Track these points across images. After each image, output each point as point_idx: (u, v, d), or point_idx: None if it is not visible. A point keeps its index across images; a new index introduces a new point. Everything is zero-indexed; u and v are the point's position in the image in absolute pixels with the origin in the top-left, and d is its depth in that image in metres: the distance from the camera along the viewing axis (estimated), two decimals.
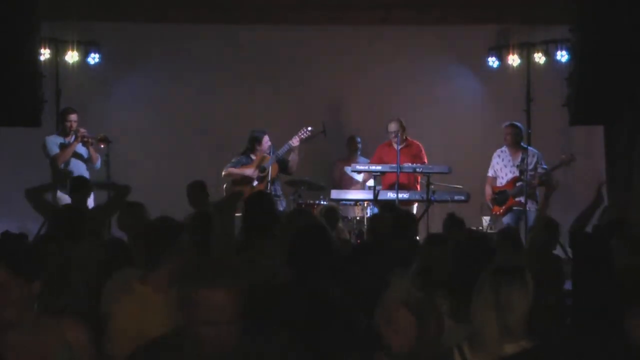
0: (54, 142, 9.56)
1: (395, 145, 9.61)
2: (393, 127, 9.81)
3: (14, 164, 10.72)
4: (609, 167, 10.22)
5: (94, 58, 11.07)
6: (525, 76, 11.17)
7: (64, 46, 10.86)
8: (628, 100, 8.76)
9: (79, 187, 7.69)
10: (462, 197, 9.23)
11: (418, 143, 10.00)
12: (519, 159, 9.46)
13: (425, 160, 9.84)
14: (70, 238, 5.37)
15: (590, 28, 8.55)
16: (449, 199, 9.08)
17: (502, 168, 9.71)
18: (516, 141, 9.69)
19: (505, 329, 3.29)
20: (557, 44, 10.68)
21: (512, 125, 9.77)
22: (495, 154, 9.82)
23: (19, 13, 8.22)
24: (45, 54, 10.35)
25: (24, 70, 8.31)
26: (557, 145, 9.57)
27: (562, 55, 10.57)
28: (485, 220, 9.45)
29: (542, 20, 10.05)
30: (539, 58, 11.04)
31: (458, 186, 9.63)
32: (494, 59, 11.38)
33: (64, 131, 9.65)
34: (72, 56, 10.92)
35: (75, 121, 9.61)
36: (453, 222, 6.39)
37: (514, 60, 11.23)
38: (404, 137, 9.84)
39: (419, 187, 9.77)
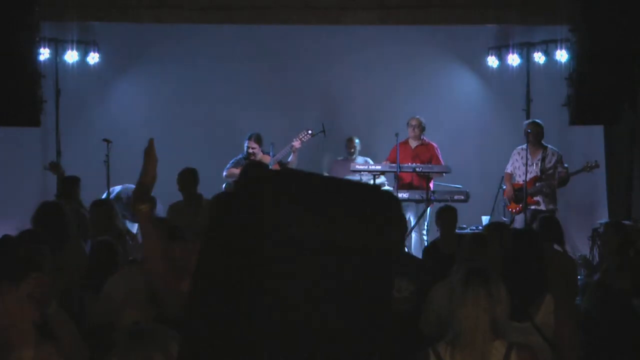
0: None
1: (411, 142, 9.88)
2: (414, 121, 9.96)
3: (13, 164, 10.71)
4: (609, 167, 10.23)
5: (93, 58, 11.07)
6: (525, 76, 11.17)
7: (64, 46, 10.86)
8: (628, 100, 8.75)
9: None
10: (462, 197, 9.23)
11: (434, 144, 9.97)
12: (538, 158, 9.28)
13: (441, 161, 9.81)
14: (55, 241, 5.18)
15: (590, 28, 8.55)
16: (449, 198, 9.08)
17: (520, 166, 9.31)
18: (537, 139, 9.33)
19: (494, 324, 3.25)
20: (557, 44, 10.66)
21: (534, 123, 9.42)
22: (515, 151, 9.50)
23: (18, 13, 8.22)
24: (45, 54, 10.35)
25: (24, 70, 8.31)
26: (557, 145, 9.55)
27: (562, 55, 10.56)
28: (485, 220, 9.42)
29: (542, 20, 10.03)
30: (539, 58, 11.04)
31: (458, 186, 9.64)
32: (494, 58, 11.38)
33: None
34: (72, 56, 10.92)
35: None
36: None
37: (514, 60, 11.23)
38: (421, 137, 9.96)
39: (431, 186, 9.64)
